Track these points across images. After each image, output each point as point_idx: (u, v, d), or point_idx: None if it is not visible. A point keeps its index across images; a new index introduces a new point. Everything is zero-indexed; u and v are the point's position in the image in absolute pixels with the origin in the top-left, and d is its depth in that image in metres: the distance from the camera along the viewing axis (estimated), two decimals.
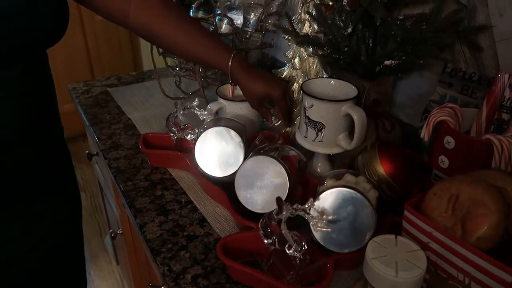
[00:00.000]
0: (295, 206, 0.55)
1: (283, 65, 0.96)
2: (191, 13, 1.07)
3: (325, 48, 0.81)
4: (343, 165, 0.81)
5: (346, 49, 0.77)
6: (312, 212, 0.56)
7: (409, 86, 0.90)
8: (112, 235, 1.20)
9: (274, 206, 0.58)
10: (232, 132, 0.75)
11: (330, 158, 0.86)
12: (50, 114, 0.73)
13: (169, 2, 0.81)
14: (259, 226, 0.59)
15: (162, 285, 0.72)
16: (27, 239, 0.73)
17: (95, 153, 1.24)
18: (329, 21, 0.80)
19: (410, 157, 0.76)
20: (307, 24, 0.86)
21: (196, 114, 0.82)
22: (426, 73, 0.85)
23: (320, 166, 0.83)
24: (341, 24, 0.78)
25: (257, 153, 0.71)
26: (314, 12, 0.83)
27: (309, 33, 0.85)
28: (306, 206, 0.55)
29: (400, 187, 0.70)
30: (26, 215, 0.72)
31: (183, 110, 0.83)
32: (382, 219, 0.65)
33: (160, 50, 1.11)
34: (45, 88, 0.70)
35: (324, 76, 0.87)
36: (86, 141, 1.29)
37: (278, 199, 0.56)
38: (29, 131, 0.67)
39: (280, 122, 0.87)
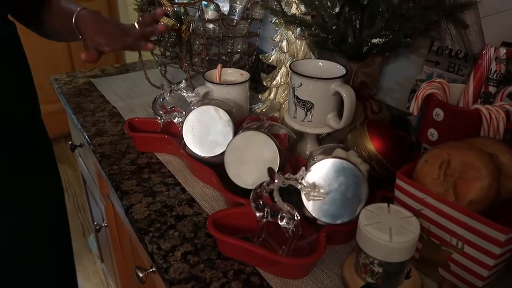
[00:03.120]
0: (286, 175, 0.54)
1: None
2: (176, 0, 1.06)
3: (313, 28, 0.81)
4: None
5: (334, 27, 0.77)
6: (304, 182, 0.55)
7: (395, 71, 0.91)
8: (97, 227, 1.17)
9: None
10: (221, 111, 0.74)
11: (319, 140, 0.85)
12: (30, 89, 0.79)
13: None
14: (250, 198, 0.58)
15: (151, 267, 0.70)
16: (29, 222, 0.80)
17: (78, 144, 1.21)
18: (317, 2, 0.80)
19: (399, 135, 0.76)
20: (294, 6, 0.86)
21: (183, 96, 0.81)
22: (412, 56, 0.85)
23: (309, 148, 0.83)
24: (329, 4, 0.79)
25: (247, 129, 0.70)
26: None
27: (296, 14, 0.85)
28: (298, 175, 0.54)
29: (389, 164, 0.71)
30: (25, 202, 0.78)
31: (170, 91, 0.82)
32: (373, 194, 0.65)
33: None
34: (23, 61, 0.77)
35: (312, 58, 0.87)
36: (69, 141, 1.28)
37: (270, 169, 0.55)
38: (14, 103, 0.72)
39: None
